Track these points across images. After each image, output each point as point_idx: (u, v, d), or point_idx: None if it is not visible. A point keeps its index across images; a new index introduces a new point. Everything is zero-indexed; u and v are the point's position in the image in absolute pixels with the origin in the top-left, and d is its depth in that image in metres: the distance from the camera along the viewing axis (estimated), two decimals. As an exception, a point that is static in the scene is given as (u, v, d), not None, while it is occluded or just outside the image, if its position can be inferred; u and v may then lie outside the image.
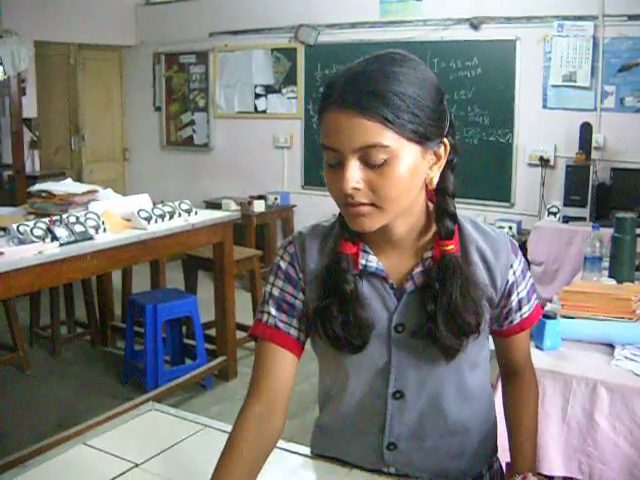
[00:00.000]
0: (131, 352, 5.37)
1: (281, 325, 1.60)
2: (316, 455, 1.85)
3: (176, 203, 5.00)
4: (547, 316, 2.94)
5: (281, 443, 1.86)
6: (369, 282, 1.58)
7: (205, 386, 5.25)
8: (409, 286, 1.56)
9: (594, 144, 6.68)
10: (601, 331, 3.02)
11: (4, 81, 7.54)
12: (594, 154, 6.67)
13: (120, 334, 6.10)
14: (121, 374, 5.43)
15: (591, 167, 6.38)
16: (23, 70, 7.69)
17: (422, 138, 1.40)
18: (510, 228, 6.96)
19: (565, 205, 6.43)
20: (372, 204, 1.41)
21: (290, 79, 8.50)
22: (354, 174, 1.38)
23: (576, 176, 6.40)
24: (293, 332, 1.61)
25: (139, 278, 6.51)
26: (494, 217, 7.18)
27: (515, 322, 1.67)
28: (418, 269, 1.55)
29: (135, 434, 2.01)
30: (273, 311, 1.62)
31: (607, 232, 3.88)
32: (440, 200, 1.54)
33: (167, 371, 5.10)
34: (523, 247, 6.54)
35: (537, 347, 2.91)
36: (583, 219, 6.22)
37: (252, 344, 5.79)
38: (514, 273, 1.61)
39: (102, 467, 1.80)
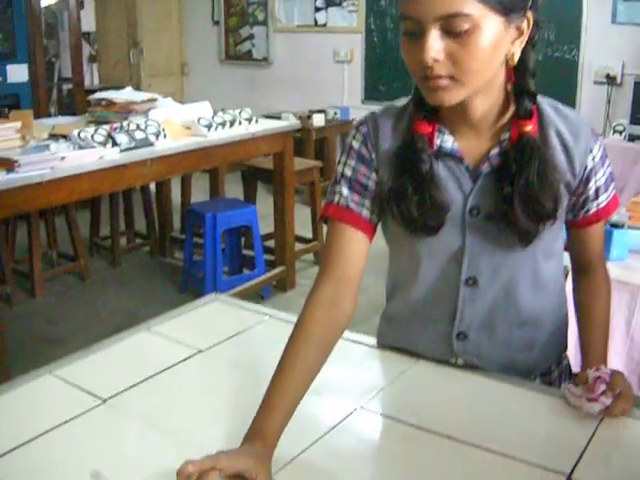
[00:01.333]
0: (190, 262, 5.40)
1: (353, 205, 1.55)
2: (382, 346, 1.82)
3: (237, 111, 4.95)
4: (615, 225, 2.88)
5: (347, 334, 1.82)
6: (444, 163, 1.52)
7: (263, 296, 5.25)
8: (485, 168, 1.51)
9: (664, 61, 6.47)
10: (670, 242, 2.95)
11: (63, -4, 7.53)
12: (664, 71, 6.46)
13: (178, 245, 6.16)
14: (179, 284, 5.47)
15: (660, 85, 6.19)
16: (82, -17, 7.67)
17: (506, 9, 1.32)
18: (574, 146, 6.81)
19: (632, 123, 6.27)
20: (451, 77, 1.34)
21: (351, -9, 8.33)
22: (434, 44, 1.30)
23: (645, 94, 6.22)
24: (365, 213, 1.56)
25: (198, 190, 6.52)
26: (558, 135, 7.02)
27: (591, 211, 1.60)
28: (495, 150, 1.50)
29: (199, 322, 2.01)
30: (345, 191, 1.57)
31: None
32: (520, 78, 1.46)
33: (226, 280, 5.12)
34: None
35: (604, 257, 2.85)
36: (650, 138, 6.07)
37: (310, 256, 5.82)
38: (593, 159, 1.53)
39: (166, 352, 1.80)
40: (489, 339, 1.65)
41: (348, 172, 1.58)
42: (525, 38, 1.40)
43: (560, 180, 1.49)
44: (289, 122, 5.61)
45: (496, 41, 1.33)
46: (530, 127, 1.46)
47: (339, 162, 1.61)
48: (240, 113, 4.96)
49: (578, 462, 1.34)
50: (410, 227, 1.53)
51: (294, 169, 5.37)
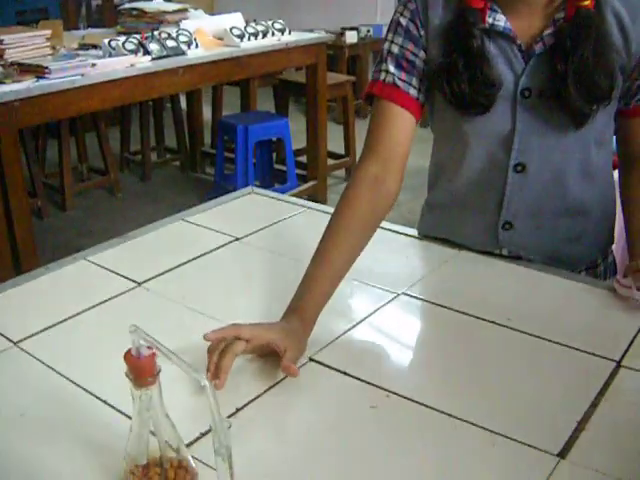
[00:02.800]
0: (221, 175, 5.36)
1: (400, 83, 1.50)
2: (424, 236, 1.78)
3: (269, 22, 4.87)
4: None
5: (388, 225, 1.81)
6: (496, 43, 1.46)
7: (295, 211, 5.21)
8: (538, 48, 1.44)
9: None
10: None
11: None
12: None
13: (209, 160, 6.12)
14: (211, 198, 5.41)
15: None
16: None
17: None
18: None
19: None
20: None
21: None
22: None
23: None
24: (412, 91, 1.51)
25: (229, 104, 6.45)
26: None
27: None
28: (549, 30, 1.43)
29: (235, 213, 1.99)
30: (392, 68, 1.51)
31: None
32: None
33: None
34: None
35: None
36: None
37: (342, 172, 5.77)
38: None
39: (202, 240, 1.77)
40: (536, 229, 1.60)
41: (395, 49, 1.52)
42: None
43: (616, 59, 1.42)
44: (322, 34, 5.50)
45: None
46: (588, 1, 1.39)
47: (385, 39, 1.55)
48: (273, 24, 4.88)
49: (627, 350, 1.30)
50: (461, 105, 1.48)
51: (327, 83, 5.28)
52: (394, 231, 1.82)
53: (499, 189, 1.56)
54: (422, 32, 1.50)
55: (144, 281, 1.55)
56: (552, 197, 1.56)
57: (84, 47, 4.34)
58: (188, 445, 1.02)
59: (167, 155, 6.43)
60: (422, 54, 1.51)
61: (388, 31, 1.55)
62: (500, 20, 1.45)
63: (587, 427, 1.09)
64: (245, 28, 4.68)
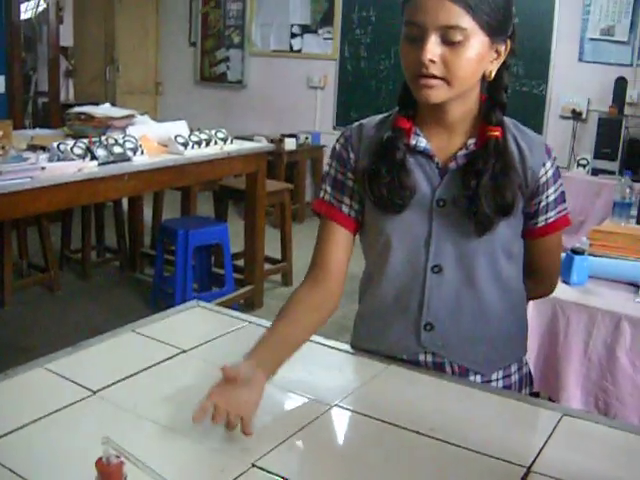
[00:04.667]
0: (160, 277, 5.48)
1: (334, 201, 1.80)
2: (355, 349, 1.94)
3: (212, 131, 5.05)
4: (575, 252, 3.01)
5: (322, 340, 1.98)
6: (416, 159, 1.72)
7: (232, 313, 5.32)
8: (452, 165, 1.70)
9: (628, 99, 6.66)
10: (627, 270, 3.08)
11: (43, 10, 7.58)
12: (627, 109, 6.65)
13: (148, 260, 6.22)
14: (149, 299, 5.53)
15: (623, 122, 6.39)
16: (62, -1, 7.74)
17: (492, 31, 1.56)
18: (539, 178, 6.98)
19: (595, 158, 6.47)
20: (442, 78, 1.56)
21: (327, 20, 8.49)
22: (433, 48, 1.53)
23: (608, 130, 6.43)
24: (344, 208, 1.79)
25: (170, 207, 6.60)
26: (523, 167, 7.21)
27: (539, 225, 1.76)
28: (462, 152, 1.70)
29: (181, 326, 2.12)
30: (329, 189, 1.82)
31: (636, 187, 3.92)
32: (494, 92, 1.69)
33: (195, 296, 5.17)
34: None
35: (564, 282, 2.97)
36: (612, 172, 6.24)
37: (278, 277, 5.92)
38: (546, 172, 1.72)
39: (151, 351, 1.90)
40: (454, 330, 1.79)
41: (332, 172, 1.83)
42: (502, 60, 1.64)
43: (517, 181, 1.68)
44: (263, 144, 5.71)
45: (481, 55, 1.58)
46: (498, 132, 1.67)
47: (326, 163, 1.85)
48: (216, 133, 5.06)
49: (537, 456, 1.46)
50: (380, 204, 1.72)
51: (266, 190, 5.47)
52: (329, 346, 1.98)
53: (420, 290, 1.77)
54: (352, 156, 1.79)
55: (98, 390, 1.67)
56: (468, 299, 1.76)
57: (32, 148, 4.47)
58: None
59: (107, 254, 6.51)
60: (351, 175, 1.79)
61: (329, 156, 1.85)
62: (422, 142, 1.71)
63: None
64: (189, 136, 4.84)
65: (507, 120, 1.73)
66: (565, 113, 7.20)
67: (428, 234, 1.74)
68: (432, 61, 1.54)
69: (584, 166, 6.56)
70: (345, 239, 1.79)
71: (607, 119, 6.49)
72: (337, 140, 1.84)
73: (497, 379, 1.85)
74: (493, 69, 1.64)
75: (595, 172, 6.43)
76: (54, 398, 1.62)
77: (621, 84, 6.58)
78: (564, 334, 2.83)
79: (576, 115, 7.10)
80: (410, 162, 1.71)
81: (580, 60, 7.11)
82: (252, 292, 5.41)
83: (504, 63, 1.66)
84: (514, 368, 1.89)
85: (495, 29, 1.57)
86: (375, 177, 1.71)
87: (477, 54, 1.56)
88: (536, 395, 2.89)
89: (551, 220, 1.76)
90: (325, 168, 1.86)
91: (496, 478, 1.40)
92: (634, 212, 3.88)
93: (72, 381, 1.71)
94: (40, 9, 7.71)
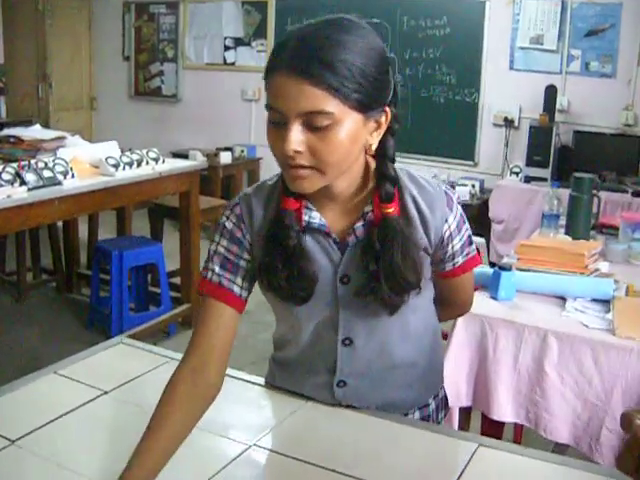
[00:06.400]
0: (96, 298, 5.45)
1: (225, 282, 1.64)
2: (273, 387, 1.95)
3: (144, 151, 5.03)
4: (502, 268, 3.05)
5: (240, 374, 2.00)
6: (313, 237, 1.63)
7: (169, 333, 5.33)
8: (351, 240, 1.62)
9: (558, 107, 6.81)
10: (554, 284, 3.13)
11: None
12: (558, 116, 6.80)
13: (85, 281, 6.16)
14: (85, 320, 5.49)
15: (554, 129, 6.53)
16: (-10, 15, 7.64)
17: (364, 107, 1.43)
18: (473, 187, 7.10)
19: (527, 165, 6.59)
20: (312, 167, 1.45)
21: (260, 32, 8.53)
22: (296, 137, 1.40)
23: (539, 137, 6.55)
24: (236, 289, 1.65)
25: (105, 226, 6.57)
26: (457, 175, 7.32)
27: (447, 269, 1.76)
28: (359, 223, 1.61)
29: (104, 365, 2.10)
30: (217, 269, 1.65)
31: (566, 192, 3.98)
32: (380, 164, 1.59)
33: (132, 317, 5.17)
34: (484, 206, 6.67)
35: (492, 297, 3.02)
36: (544, 180, 6.35)
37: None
38: (449, 227, 1.67)
39: (72, 394, 1.89)
40: (367, 384, 1.79)
41: (221, 250, 1.66)
42: (383, 130, 1.53)
43: (420, 253, 1.62)
44: (196, 161, 5.71)
45: (354, 135, 1.44)
46: (392, 209, 1.58)
47: (213, 240, 1.69)
48: (147, 153, 5.04)
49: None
50: (282, 297, 1.64)
51: (200, 207, 5.47)
52: (247, 381, 2.00)
53: (332, 357, 1.75)
54: (247, 236, 1.65)
55: (17, 439, 1.66)
56: (379, 361, 1.76)
57: (-41, 174, 4.41)
58: None
59: (43, 276, 6.45)
60: (246, 255, 1.66)
61: (215, 232, 1.69)
62: (315, 217, 1.61)
63: None
64: (120, 157, 4.81)
65: (404, 178, 1.64)
66: (497, 121, 7.32)
67: (335, 311, 1.68)
68: (297, 152, 1.41)
69: (517, 174, 6.68)
70: (234, 321, 1.65)
71: (538, 127, 6.61)
72: (225, 215, 1.69)
73: (414, 412, 1.88)
74: (374, 142, 1.52)
75: (528, 180, 6.55)
76: (-30, 450, 1.61)
77: (551, 92, 6.70)
78: (493, 350, 2.87)
79: (508, 123, 7.21)
80: (307, 241, 1.62)
81: (511, 68, 7.23)
82: (189, 310, 5.40)
83: (388, 129, 1.55)
84: (430, 399, 1.92)
85: (368, 105, 1.44)
86: (272, 271, 1.59)
87: (349, 135, 1.43)
88: (468, 410, 2.94)
89: (458, 264, 1.75)
90: (212, 246, 1.68)
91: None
92: (563, 222, 3.95)
93: (-10, 430, 1.70)
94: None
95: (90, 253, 6.22)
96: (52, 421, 1.75)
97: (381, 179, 1.58)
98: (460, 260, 1.74)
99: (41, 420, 1.74)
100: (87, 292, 5.92)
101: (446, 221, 1.66)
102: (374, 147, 1.54)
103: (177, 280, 5.69)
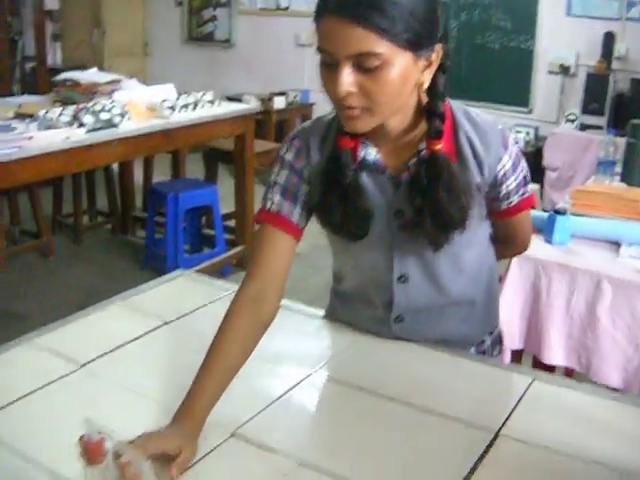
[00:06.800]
0: (152, 240, 5.54)
1: (284, 211, 1.67)
2: (333, 318, 2.00)
3: (199, 94, 5.08)
4: (558, 212, 3.05)
5: (300, 308, 2.06)
6: (368, 173, 1.66)
7: (224, 274, 5.38)
8: (405, 176, 1.64)
9: (616, 54, 6.69)
10: (609, 229, 3.12)
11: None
12: (615, 64, 6.68)
13: (140, 224, 6.28)
14: (141, 261, 5.59)
15: (611, 76, 6.43)
16: (46, -39, 7.70)
17: (415, 46, 1.43)
18: (527, 134, 7.05)
19: (583, 113, 6.51)
20: (364, 108, 1.47)
21: (315, -24, 8.45)
22: (348, 79, 1.42)
23: (596, 85, 6.46)
24: (294, 218, 1.68)
25: (160, 169, 6.63)
26: (512, 122, 7.24)
27: (502, 208, 1.76)
28: (413, 160, 1.62)
29: (165, 296, 2.17)
30: (277, 198, 1.68)
31: (623, 140, 3.93)
32: (430, 102, 1.59)
33: (187, 258, 5.25)
34: (539, 153, 6.62)
35: (547, 241, 3.02)
36: (600, 128, 6.28)
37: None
38: (504, 167, 1.67)
39: (135, 324, 1.96)
40: (424, 320, 1.83)
41: (281, 181, 1.70)
42: (435, 67, 1.53)
43: (468, 192, 1.61)
44: (250, 105, 5.74)
45: (405, 74, 1.45)
46: (440, 146, 1.58)
47: (272, 172, 1.73)
48: (203, 96, 5.09)
49: (506, 421, 1.53)
50: (338, 234, 1.69)
51: (254, 151, 5.51)
52: (306, 314, 2.05)
53: (388, 293, 1.78)
54: (305, 168, 1.69)
55: (85, 363, 1.74)
56: (435, 296, 1.79)
57: (20, 116, 4.49)
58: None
59: (99, 218, 6.56)
60: (304, 187, 1.69)
61: (275, 164, 1.73)
62: (371, 154, 1.64)
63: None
64: (176, 100, 4.87)
65: (459, 114, 1.65)
66: (553, 68, 7.21)
67: (390, 247, 1.72)
68: (349, 93, 1.43)
69: (572, 121, 6.60)
70: (291, 248, 1.69)
71: (595, 74, 6.52)
72: (284, 148, 1.73)
73: (470, 348, 1.91)
74: (425, 79, 1.52)
75: (583, 127, 6.48)
76: (44, 372, 1.68)
77: (609, 38, 6.59)
78: (547, 293, 2.88)
79: (564, 70, 7.11)
80: (362, 178, 1.65)
81: (568, 14, 7.09)
82: (243, 252, 5.46)
83: (440, 67, 1.55)
84: (486, 336, 1.95)
85: (418, 44, 1.44)
86: (328, 208, 1.64)
87: (400, 75, 1.44)
88: (520, 353, 2.97)
89: (514, 204, 1.75)
90: (272, 177, 1.71)
91: (465, 443, 1.46)
92: (619, 169, 3.92)
93: (60, 355, 1.77)
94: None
95: (145, 196, 6.31)
96: (117, 348, 1.82)
97: (431, 116, 1.59)
98: (515, 199, 1.75)
99: (107, 347, 1.81)
100: (142, 234, 6.04)
101: (500, 160, 1.66)
102: (426, 85, 1.54)
103: (231, 223, 5.76)
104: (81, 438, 1.05)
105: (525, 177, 1.74)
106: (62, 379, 1.67)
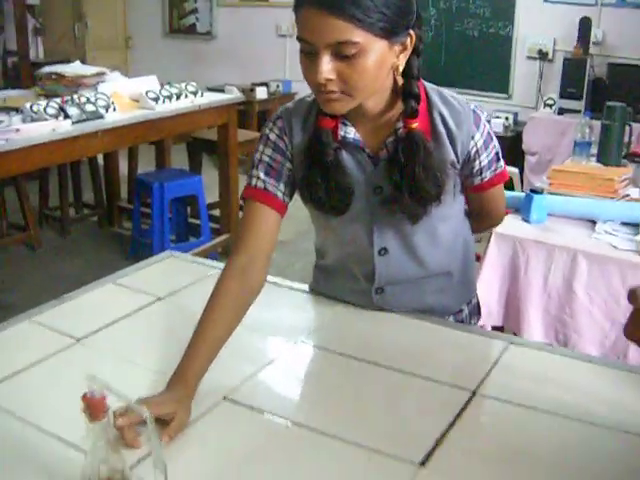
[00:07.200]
0: (138, 230, 5.61)
1: (270, 187, 1.76)
2: (317, 292, 2.09)
3: (182, 85, 5.16)
4: (534, 191, 3.14)
5: (285, 282, 2.16)
6: (348, 151, 1.75)
7: (209, 263, 5.44)
8: (383, 154, 1.74)
9: (593, 39, 6.78)
10: (585, 207, 3.21)
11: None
12: (592, 49, 6.78)
13: (126, 215, 6.33)
14: (128, 252, 5.65)
15: (588, 61, 6.53)
16: (26, -46, 7.71)
17: (389, 33, 1.52)
18: (507, 119, 7.13)
19: (561, 97, 6.62)
20: (342, 92, 1.55)
21: (294, -32, 8.51)
22: (326, 66, 1.51)
23: (573, 70, 6.57)
24: (279, 194, 1.77)
25: (145, 161, 6.69)
26: (491, 108, 7.33)
27: (475, 183, 1.86)
28: (391, 138, 1.72)
29: (157, 275, 2.26)
30: (262, 175, 1.76)
31: (599, 124, 4.02)
32: (406, 83, 1.68)
33: (173, 247, 5.24)
34: (518, 138, 6.72)
35: (524, 220, 3.11)
36: (578, 111, 6.36)
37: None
38: (476, 144, 1.77)
39: (130, 299, 2.04)
40: (404, 291, 1.93)
41: (265, 158, 1.78)
42: (409, 51, 1.62)
43: (443, 168, 1.71)
44: (233, 95, 5.80)
45: (381, 60, 1.54)
46: (416, 124, 1.68)
47: (257, 150, 1.81)
48: (186, 86, 5.16)
49: (482, 382, 1.63)
50: (321, 209, 1.78)
51: (237, 140, 5.59)
52: (291, 288, 2.15)
53: (369, 266, 1.88)
54: (289, 147, 1.78)
55: (81, 337, 1.81)
56: (414, 268, 1.89)
57: (5, 110, 4.52)
58: (131, 467, 1.27)
59: (85, 210, 6.61)
60: (288, 165, 1.78)
61: (259, 143, 1.81)
62: (350, 132, 1.73)
63: (444, 442, 1.40)
64: (160, 91, 4.94)
65: (433, 94, 1.74)
66: (531, 54, 7.31)
67: (370, 221, 1.81)
68: (328, 79, 1.52)
69: (551, 106, 6.70)
70: (277, 223, 1.78)
71: (572, 59, 6.62)
72: (268, 127, 1.81)
73: (448, 317, 2.01)
74: (400, 63, 1.61)
75: (561, 112, 6.58)
76: (42, 347, 1.76)
77: (585, 24, 6.68)
78: (524, 270, 2.97)
79: (542, 55, 7.21)
80: (343, 156, 1.74)
81: (545, 0, 7.19)
82: (228, 240, 5.53)
83: (414, 50, 1.63)
84: (464, 305, 2.05)
85: (392, 31, 1.53)
86: (311, 184, 1.73)
87: (376, 61, 1.53)
88: (500, 329, 3.05)
89: (486, 179, 1.85)
90: (257, 155, 1.80)
91: (444, 401, 1.56)
92: (594, 151, 4.01)
93: (57, 331, 1.85)
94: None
95: (130, 187, 6.37)
96: (113, 323, 1.90)
97: (406, 96, 1.67)
98: (488, 175, 1.84)
99: (102, 322, 1.90)
100: (128, 225, 6.10)
101: (472, 138, 1.76)
102: (401, 68, 1.62)
103: (216, 212, 5.82)
104: (84, 395, 1.12)
105: (497, 153, 1.84)
106: (60, 353, 1.74)
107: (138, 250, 5.51)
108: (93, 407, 1.12)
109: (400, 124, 1.70)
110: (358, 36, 1.48)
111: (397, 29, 1.54)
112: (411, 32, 1.59)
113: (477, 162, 1.80)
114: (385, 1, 1.49)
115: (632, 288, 1.00)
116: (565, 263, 2.89)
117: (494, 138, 1.83)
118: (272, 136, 1.79)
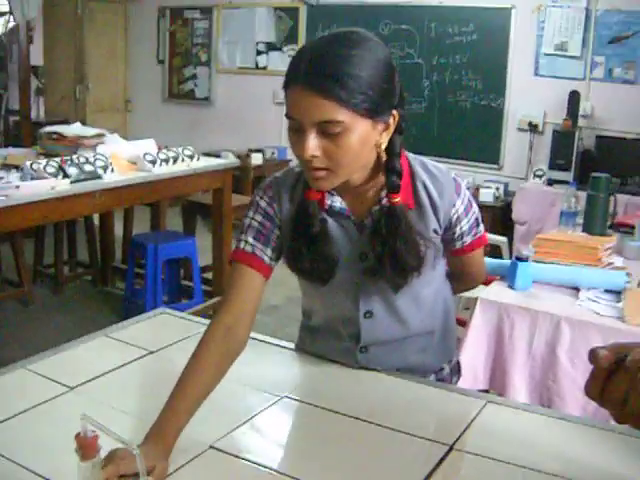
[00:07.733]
0: (131, 290, 5.67)
1: (257, 252, 1.80)
2: (302, 350, 2.16)
3: (180, 149, 5.27)
4: (520, 259, 3.22)
5: (272, 340, 2.24)
6: (335, 219, 1.82)
7: (201, 324, 5.48)
8: (369, 221, 1.80)
9: (581, 112, 6.96)
10: (569, 275, 3.27)
11: (13, 29, 7.74)
12: (581, 122, 6.96)
13: (120, 275, 6.38)
14: (120, 312, 5.68)
15: (577, 134, 6.69)
16: (32, 19, 7.88)
17: (373, 113, 1.60)
18: (497, 189, 7.27)
19: (550, 169, 6.76)
20: (327, 169, 1.62)
21: (291, 37, 8.76)
22: (312, 143, 1.57)
23: (562, 141, 6.72)
24: (266, 258, 1.81)
25: (140, 223, 6.76)
26: (482, 178, 7.49)
27: (457, 247, 1.95)
28: (376, 207, 1.79)
29: (149, 330, 2.33)
30: (250, 239, 1.82)
31: (583, 196, 4.12)
32: (388, 159, 1.75)
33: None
34: (508, 208, 6.83)
35: (510, 287, 3.18)
36: (567, 182, 6.45)
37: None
38: (456, 211, 1.85)
39: (122, 352, 2.11)
40: (387, 350, 2.00)
41: (255, 224, 1.84)
42: (392, 130, 1.69)
43: (423, 239, 1.79)
44: (229, 160, 5.91)
45: (364, 138, 1.62)
46: (398, 199, 1.75)
47: (246, 215, 1.88)
48: (183, 150, 5.28)
49: (460, 437, 1.69)
50: (307, 278, 1.87)
51: (232, 205, 5.68)
52: (277, 345, 2.23)
53: (355, 327, 1.95)
54: (278, 214, 1.84)
55: (75, 386, 1.88)
56: (398, 329, 1.96)
57: (6, 167, 4.62)
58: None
59: (79, 269, 6.66)
60: (277, 231, 1.84)
61: (249, 209, 1.88)
62: (337, 201, 1.80)
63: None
64: (157, 154, 5.04)
65: (416, 165, 1.82)
66: (522, 126, 7.47)
67: (356, 287, 1.88)
68: (314, 156, 1.58)
69: (540, 177, 6.84)
70: (262, 285, 1.82)
71: (561, 131, 6.78)
72: (258, 195, 1.87)
73: (429, 376, 2.08)
74: (383, 140, 1.68)
75: (550, 182, 6.71)
76: (36, 394, 1.83)
77: (575, 97, 6.86)
78: (509, 336, 3.02)
79: (532, 127, 7.36)
80: (328, 223, 1.81)
81: (536, 74, 7.39)
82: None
83: (397, 129, 1.70)
84: (445, 364, 2.12)
85: (376, 111, 1.60)
86: (297, 255, 1.79)
87: (359, 139, 1.59)
88: (485, 392, 3.10)
89: (467, 243, 1.94)
90: (246, 220, 1.86)
91: (423, 455, 1.62)
92: (580, 220, 4.10)
93: (52, 379, 1.92)
94: (10, 26, 7.86)
95: (125, 248, 6.46)
96: (105, 373, 1.96)
97: (389, 171, 1.75)
98: (468, 239, 1.93)
99: (96, 372, 1.96)
100: (121, 285, 6.14)
101: (454, 205, 1.84)
102: (384, 146, 1.70)
103: (208, 275, 5.89)
104: (77, 434, 1.18)
105: (477, 219, 1.93)
106: (54, 400, 1.81)
107: (130, 310, 5.54)
108: (86, 446, 1.19)
109: (384, 192, 1.77)
110: (343, 115, 1.55)
111: (380, 109, 1.62)
112: (394, 112, 1.67)
113: (458, 228, 1.88)
114: (369, 83, 1.57)
115: (593, 348, 1.06)
116: (548, 329, 2.94)
117: (474, 204, 1.92)
118: (262, 203, 1.86)
